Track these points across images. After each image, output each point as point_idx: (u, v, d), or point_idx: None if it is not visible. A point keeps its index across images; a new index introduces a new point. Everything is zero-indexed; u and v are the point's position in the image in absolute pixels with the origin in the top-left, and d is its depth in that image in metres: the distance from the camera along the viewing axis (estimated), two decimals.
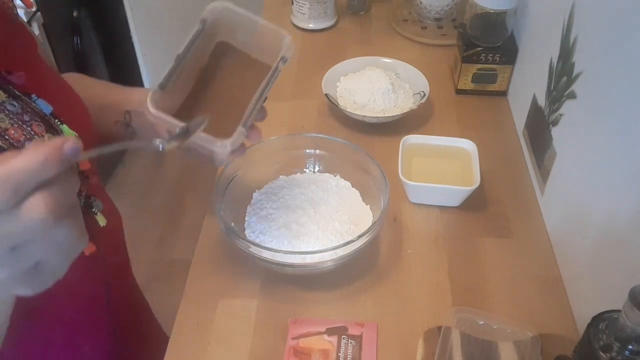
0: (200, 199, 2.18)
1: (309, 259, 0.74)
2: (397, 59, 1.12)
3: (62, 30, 1.92)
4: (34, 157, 0.36)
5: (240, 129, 0.62)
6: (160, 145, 0.48)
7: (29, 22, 1.64)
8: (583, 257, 0.75)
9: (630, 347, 0.50)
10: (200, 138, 0.60)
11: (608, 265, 0.68)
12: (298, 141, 0.90)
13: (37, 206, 0.37)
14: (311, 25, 1.31)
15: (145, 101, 0.63)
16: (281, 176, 0.90)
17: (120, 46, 2.11)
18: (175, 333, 0.74)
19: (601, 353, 0.51)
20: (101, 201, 0.66)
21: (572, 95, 0.79)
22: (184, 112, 0.65)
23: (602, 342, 0.52)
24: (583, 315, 0.73)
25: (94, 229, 0.66)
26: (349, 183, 0.89)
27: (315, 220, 0.81)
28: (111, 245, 0.72)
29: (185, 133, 0.55)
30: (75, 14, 1.94)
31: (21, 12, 1.40)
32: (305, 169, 0.91)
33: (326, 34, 1.31)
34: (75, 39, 1.96)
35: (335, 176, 0.90)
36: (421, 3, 1.29)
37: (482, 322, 0.71)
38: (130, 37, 2.07)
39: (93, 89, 0.70)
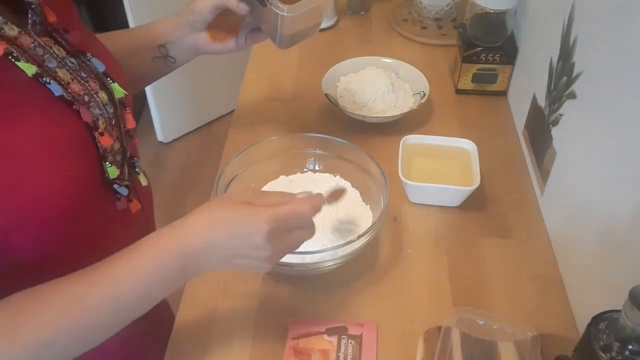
0: (200, 199, 2.17)
1: (308, 259, 0.74)
2: (397, 59, 1.12)
3: None
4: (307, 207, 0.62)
5: None
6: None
7: None
8: (583, 257, 0.75)
9: (630, 347, 0.50)
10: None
11: (608, 265, 0.68)
12: (298, 141, 0.90)
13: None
14: None
15: (172, 29, 0.79)
16: (281, 176, 0.90)
17: None
18: (175, 333, 0.74)
19: (601, 353, 0.51)
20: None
21: (572, 95, 0.79)
22: None
23: (602, 342, 0.52)
24: (583, 315, 0.73)
25: (138, 189, 0.69)
26: (349, 183, 0.89)
27: (315, 220, 0.81)
28: (147, 207, 0.75)
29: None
30: None
31: None
32: (305, 169, 0.91)
33: (326, 34, 1.31)
34: None
35: (335, 176, 0.90)
36: (421, 3, 1.29)
37: (482, 322, 0.71)
38: None
39: (120, 40, 0.77)
